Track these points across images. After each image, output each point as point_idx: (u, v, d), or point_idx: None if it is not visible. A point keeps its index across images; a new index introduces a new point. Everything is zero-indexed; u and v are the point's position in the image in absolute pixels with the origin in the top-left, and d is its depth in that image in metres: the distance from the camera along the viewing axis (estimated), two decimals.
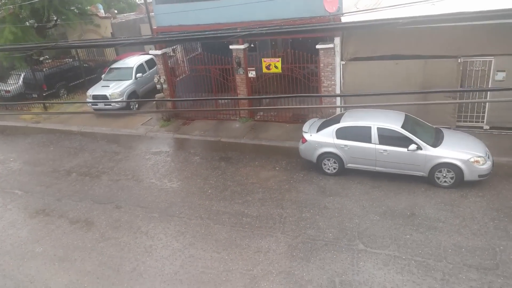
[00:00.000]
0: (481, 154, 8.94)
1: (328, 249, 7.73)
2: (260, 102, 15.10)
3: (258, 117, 14.46)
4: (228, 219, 8.98)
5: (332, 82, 12.54)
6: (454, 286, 6.51)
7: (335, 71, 12.37)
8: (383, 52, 11.60)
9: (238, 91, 14.02)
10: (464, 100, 11.15)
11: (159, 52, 14.50)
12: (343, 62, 12.19)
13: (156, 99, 15.26)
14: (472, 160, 8.82)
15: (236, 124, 14.20)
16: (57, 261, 8.22)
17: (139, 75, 16.97)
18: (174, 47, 15.51)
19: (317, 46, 12.22)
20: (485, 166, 8.85)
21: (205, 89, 15.44)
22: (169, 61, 15.11)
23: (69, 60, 20.21)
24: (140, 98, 17.03)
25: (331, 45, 12.03)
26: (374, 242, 7.77)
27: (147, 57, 17.95)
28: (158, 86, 15.09)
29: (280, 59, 12.97)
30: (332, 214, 8.82)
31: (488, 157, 9.09)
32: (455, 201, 8.72)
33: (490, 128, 11.37)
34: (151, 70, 17.66)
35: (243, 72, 13.72)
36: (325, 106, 7.21)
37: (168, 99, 14.23)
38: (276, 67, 13.05)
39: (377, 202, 9.04)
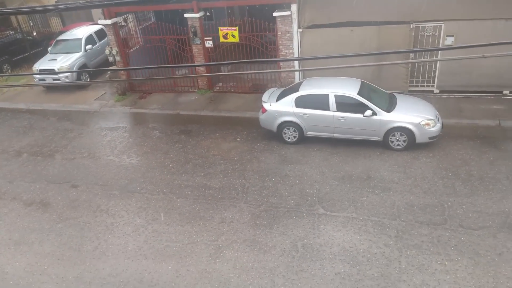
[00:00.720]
0: (431, 117, 9.38)
1: (290, 216, 7.95)
2: (219, 72, 14.86)
3: (217, 88, 14.26)
4: (191, 192, 8.96)
5: (290, 51, 12.50)
6: (407, 242, 6.96)
7: (292, 39, 12.32)
8: (338, 19, 11.65)
9: (195, 62, 13.67)
10: (414, 60, 11.53)
11: (109, 21, 13.73)
12: (301, 30, 12.15)
13: (108, 68, 14.53)
14: (423, 123, 9.25)
15: (195, 96, 13.94)
16: (12, 245, 7.91)
17: (88, 47, 16.06)
18: (126, 16, 14.74)
19: (274, 14, 12.06)
20: (435, 128, 9.32)
21: (160, 60, 14.92)
22: (120, 32, 14.37)
23: (11, 32, 18.72)
24: (91, 72, 16.20)
25: (288, 13, 11.90)
26: (334, 205, 8.08)
27: (96, 27, 16.97)
28: (110, 59, 14.39)
29: (237, 27, 12.70)
30: (293, 181, 9.02)
31: (438, 120, 9.55)
32: (407, 163, 9.17)
33: (440, 92, 11.91)
34: (101, 42, 16.76)
35: (200, 42, 13.34)
36: (284, 70, 7.19)
37: (121, 68, 13.60)
38: (233, 36, 12.79)
39: (335, 168, 9.33)
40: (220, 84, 14.39)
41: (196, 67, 13.81)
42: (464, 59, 11.13)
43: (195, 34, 13.18)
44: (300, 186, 8.81)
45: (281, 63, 12.68)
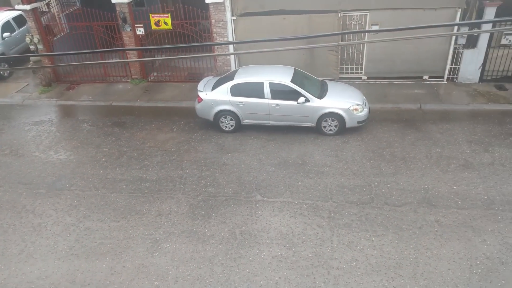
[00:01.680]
0: (359, 103, 9.89)
1: (228, 204, 8.02)
2: (153, 62, 14.38)
3: (152, 78, 13.82)
4: (126, 186, 8.67)
5: (225, 39, 12.42)
6: (338, 221, 7.35)
7: (227, 27, 12.24)
8: (271, 7, 11.77)
9: (127, 51, 13.10)
10: (343, 43, 11.99)
11: (27, 7, 12.65)
12: (234, 18, 12.10)
13: (28, 55, 13.42)
14: (351, 108, 9.73)
15: (129, 87, 13.40)
16: None
17: (6, 34, 14.72)
18: (48, 0, 13.67)
19: (207, 1, 11.87)
20: (363, 113, 9.85)
21: (88, 49, 14.06)
22: (42, 18, 13.31)
23: None
24: (11, 60, 14.88)
25: (220, 0, 11.77)
26: (270, 191, 8.28)
27: (14, 13, 15.55)
28: (32, 47, 13.33)
29: (169, 14, 12.34)
30: (231, 170, 9.08)
31: (365, 105, 10.10)
32: (339, 147, 9.63)
33: (368, 78, 12.57)
34: (21, 29, 15.44)
35: (130, 29, 12.78)
36: (219, 54, 7.14)
37: (43, 54, 12.59)
38: (166, 23, 12.41)
39: (272, 155, 9.53)
40: (155, 74, 13.95)
41: (129, 56, 13.23)
42: (388, 48, 11.88)
43: (124, 20, 12.59)
44: (238, 174, 8.90)
45: (216, 51, 12.57)
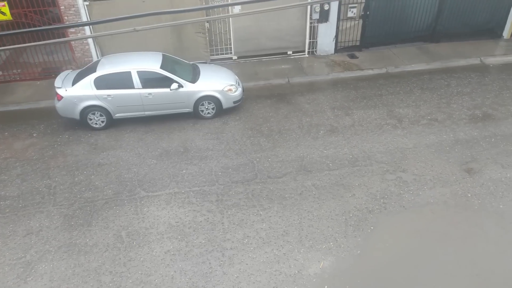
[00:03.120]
0: (232, 83, 10.02)
1: (109, 206, 7.44)
2: None
3: None
4: None
5: (81, 27, 11.23)
6: (227, 203, 7.45)
7: (80, 14, 11.05)
8: None
9: None
10: (208, 18, 11.97)
11: None
12: (87, 3, 10.97)
13: None
14: (226, 89, 9.81)
15: None
16: None
17: None
18: None
19: None
20: (237, 92, 10.02)
21: None
22: None
23: None
24: None
25: None
26: (155, 185, 7.94)
27: None
28: None
29: (5, 2, 10.56)
30: (108, 169, 8.42)
31: (239, 84, 10.29)
32: (219, 129, 9.68)
33: (238, 58, 12.81)
34: None
35: None
36: (74, 39, 6.38)
37: None
38: (3, 13, 10.63)
39: (152, 146, 9.12)
40: (0, 73, 11.97)
41: None
42: (253, 27, 12.19)
43: None
44: (116, 173, 8.30)
45: (72, 42, 11.32)
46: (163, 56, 10.06)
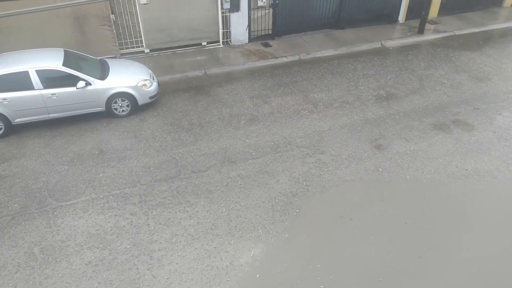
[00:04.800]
0: (146, 77, 9.56)
1: (17, 222, 6.69)
2: None
3: None
4: None
5: None
6: (151, 203, 7.14)
7: None
8: None
9: None
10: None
11: None
12: None
13: None
14: (139, 84, 9.34)
15: None
16: None
17: None
18: None
19: None
20: (152, 87, 9.60)
21: None
22: None
23: None
24: None
25: None
26: (68, 193, 7.31)
27: None
28: None
29: None
30: (12, 181, 7.56)
31: (153, 79, 9.86)
32: (136, 127, 9.21)
33: (150, 51, 12.27)
34: None
35: None
36: None
37: None
38: None
39: (61, 151, 8.37)
40: None
41: None
42: (163, 18, 11.75)
43: None
44: (22, 185, 7.48)
45: None
46: (65, 52, 9.24)
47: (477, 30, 14.45)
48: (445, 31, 14.20)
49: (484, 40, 13.72)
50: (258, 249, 6.27)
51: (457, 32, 14.21)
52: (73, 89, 8.70)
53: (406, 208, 7.02)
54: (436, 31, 14.21)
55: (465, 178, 7.63)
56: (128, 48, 12.01)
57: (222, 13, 12.44)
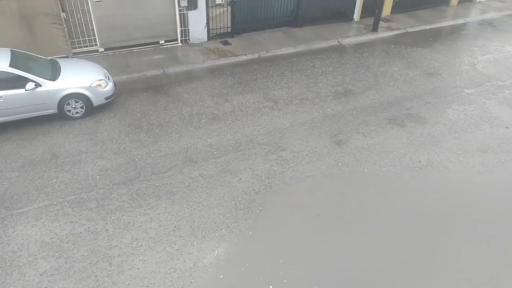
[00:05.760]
0: (101, 77, 9.22)
1: None
2: None
3: None
4: None
5: None
6: (109, 207, 6.89)
7: None
8: None
9: None
10: None
11: None
12: None
13: None
14: (94, 85, 8.99)
15: None
16: None
17: None
18: None
19: None
20: (108, 88, 9.27)
21: None
22: None
23: None
24: None
25: None
26: (19, 201, 6.91)
27: None
28: None
29: None
30: None
31: (109, 79, 9.53)
32: (91, 129, 8.86)
33: (105, 50, 11.85)
34: None
35: None
36: None
37: None
38: None
39: (10, 157, 7.90)
40: None
41: None
42: (117, 15, 11.39)
43: None
44: None
45: None
46: (12, 52, 8.74)
47: (427, 27, 15.14)
48: (398, 29, 14.75)
49: (433, 37, 14.39)
50: (222, 248, 6.23)
51: (409, 30, 14.81)
52: (21, 91, 8.24)
53: (365, 201, 7.22)
54: (389, 28, 14.74)
55: (419, 170, 7.97)
56: (81, 47, 11.53)
57: (180, 11, 12.23)
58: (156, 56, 12.00)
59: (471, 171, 7.96)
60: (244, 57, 12.33)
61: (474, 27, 15.53)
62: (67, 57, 10.97)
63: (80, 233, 6.39)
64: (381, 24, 14.86)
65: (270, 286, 5.67)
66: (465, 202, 7.25)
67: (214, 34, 13.16)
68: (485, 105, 10.14)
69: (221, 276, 5.80)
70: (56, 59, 9.61)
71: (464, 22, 15.87)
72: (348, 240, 6.44)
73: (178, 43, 12.71)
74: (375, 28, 14.32)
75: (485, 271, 6.00)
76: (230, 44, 13.02)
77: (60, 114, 8.90)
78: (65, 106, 8.84)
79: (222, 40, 13.16)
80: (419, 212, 7.02)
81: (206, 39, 12.99)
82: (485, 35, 14.67)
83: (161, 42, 12.54)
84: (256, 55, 12.49)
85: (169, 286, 5.63)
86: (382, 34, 14.33)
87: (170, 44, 12.63)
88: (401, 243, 6.40)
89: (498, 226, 6.76)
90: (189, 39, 12.82)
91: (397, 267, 6.02)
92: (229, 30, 13.32)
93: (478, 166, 8.09)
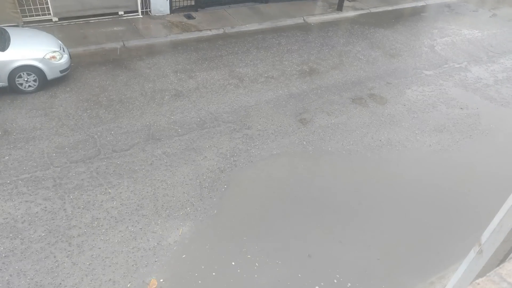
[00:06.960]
0: (55, 49, 8.67)
1: None
2: None
3: None
4: None
5: None
6: (67, 186, 6.62)
7: None
8: None
9: None
10: None
11: None
12: None
13: None
14: (48, 56, 8.44)
15: None
16: None
17: None
18: None
19: None
20: (63, 60, 8.74)
21: None
22: None
23: None
24: None
25: None
26: None
27: None
28: None
29: None
30: None
31: (64, 51, 8.98)
32: (46, 104, 8.38)
33: (59, 19, 11.10)
34: None
35: None
36: None
37: None
38: None
39: None
40: None
41: None
42: None
43: None
44: None
45: None
46: None
47: (390, 8, 15.39)
48: (362, 9, 14.89)
49: (395, 18, 14.67)
50: (187, 227, 6.18)
51: (373, 10, 14.99)
52: None
53: (329, 178, 7.39)
54: (354, 8, 14.84)
55: (379, 148, 8.24)
56: (32, 15, 10.73)
57: None
58: (115, 28, 11.41)
59: (427, 150, 8.33)
60: (209, 32, 12.01)
61: (434, 9, 15.97)
62: (17, 26, 10.18)
63: (37, 212, 6.11)
64: (346, 3, 14.92)
65: (233, 263, 5.72)
66: (421, 179, 7.61)
67: (177, 7, 12.67)
68: (442, 87, 10.56)
69: (186, 254, 5.78)
70: (5, 28, 8.89)
71: (425, 4, 16.27)
72: (312, 217, 6.59)
73: (138, 15, 12.14)
74: (339, 8, 14.37)
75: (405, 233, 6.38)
76: (194, 18, 12.60)
77: (11, 88, 8.32)
78: (17, 79, 8.26)
79: (186, 13, 12.71)
80: (380, 188, 7.28)
81: (168, 11, 12.49)
82: (443, 17, 15.14)
83: (120, 13, 11.92)
84: (221, 31, 12.20)
85: (132, 265, 5.55)
86: (346, 13, 14.41)
87: (130, 16, 12.03)
88: (358, 212, 6.65)
89: (443, 200, 7.17)
90: (150, 11, 12.27)
91: (352, 237, 6.27)
92: (193, 3, 12.87)
93: (435, 145, 8.48)
